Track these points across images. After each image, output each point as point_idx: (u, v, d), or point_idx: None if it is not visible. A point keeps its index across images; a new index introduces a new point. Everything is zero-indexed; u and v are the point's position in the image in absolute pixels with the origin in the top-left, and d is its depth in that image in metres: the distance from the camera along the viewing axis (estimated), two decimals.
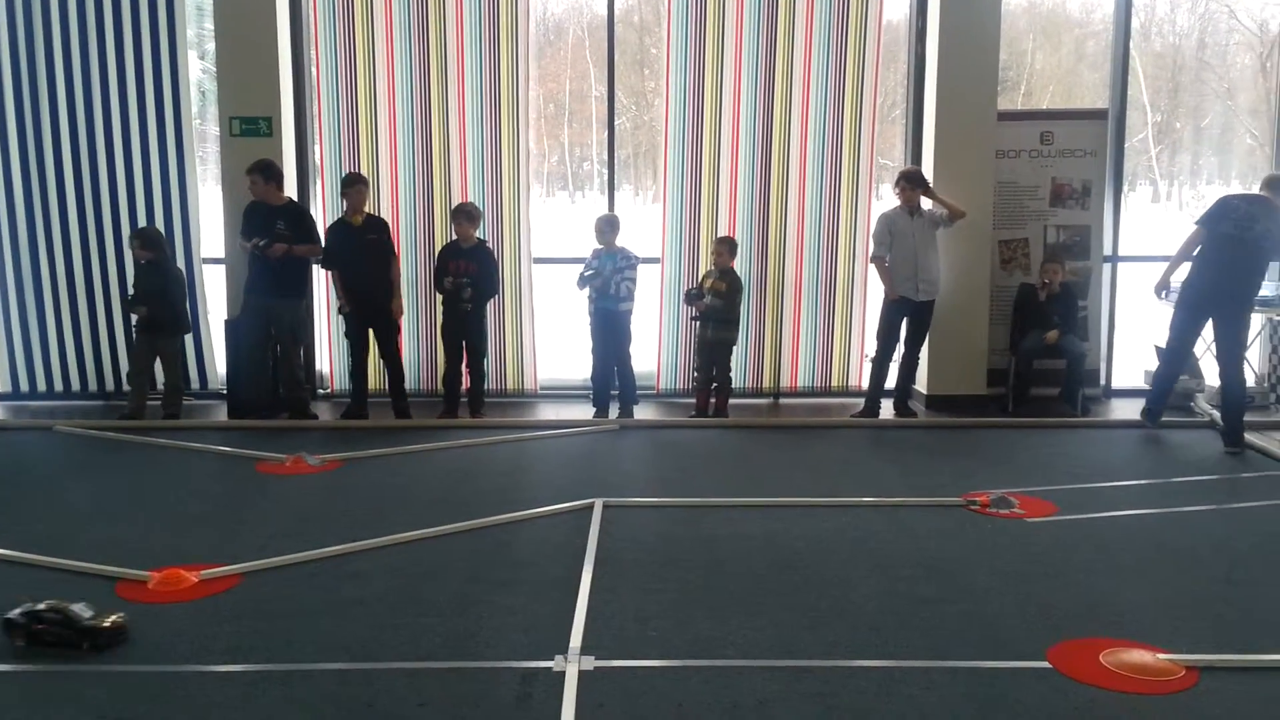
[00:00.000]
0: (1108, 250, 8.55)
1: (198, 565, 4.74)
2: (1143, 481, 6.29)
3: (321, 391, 8.41)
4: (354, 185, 7.61)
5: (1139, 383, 8.39)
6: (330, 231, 7.73)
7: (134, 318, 7.77)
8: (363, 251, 7.61)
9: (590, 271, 7.74)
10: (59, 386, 8.26)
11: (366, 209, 7.71)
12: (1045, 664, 3.84)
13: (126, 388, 8.02)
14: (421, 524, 5.36)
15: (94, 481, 6.29)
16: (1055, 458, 6.81)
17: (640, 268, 7.87)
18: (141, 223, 8.00)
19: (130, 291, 7.85)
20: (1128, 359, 8.94)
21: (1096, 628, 4.16)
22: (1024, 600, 4.47)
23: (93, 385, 8.27)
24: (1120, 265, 8.62)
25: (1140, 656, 3.87)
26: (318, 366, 8.45)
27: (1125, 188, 8.67)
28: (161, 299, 7.58)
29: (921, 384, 8.32)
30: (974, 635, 4.12)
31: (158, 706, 3.57)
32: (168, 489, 6.17)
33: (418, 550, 5.07)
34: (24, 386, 8.26)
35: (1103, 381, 8.68)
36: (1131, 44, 8.58)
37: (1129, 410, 7.94)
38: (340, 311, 7.79)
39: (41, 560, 4.82)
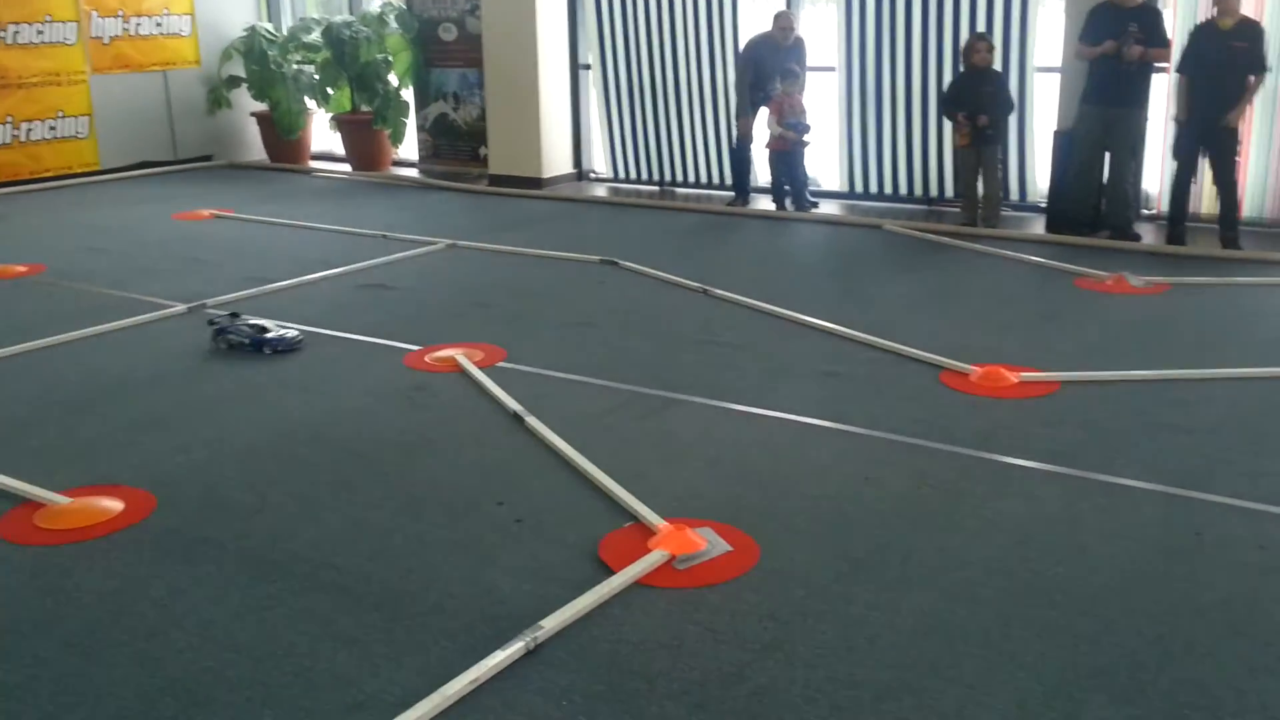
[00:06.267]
0: None
1: (1017, 367, 4.79)
2: None
3: (1147, 212, 7.85)
4: None
5: None
6: (1194, 34, 6.98)
7: (951, 126, 7.91)
8: (1223, 58, 6.77)
9: None
10: (888, 189, 8.81)
11: (1241, 12, 6.81)
12: None
13: (949, 194, 8.33)
14: (1258, 361, 4.81)
15: (916, 278, 6.62)
16: None
17: None
18: (979, 28, 7.99)
19: (947, 94, 7.94)
20: None
21: None
22: None
23: (918, 190, 8.67)
24: None
25: None
26: (1144, 185, 7.87)
27: None
28: (994, 105, 7.58)
29: None
30: None
31: (976, 484, 3.71)
32: (985, 293, 6.32)
33: (1255, 388, 4.57)
34: (858, 187, 8.93)
35: None
36: None
37: None
38: (1175, 119, 7.11)
39: (872, 341, 5.23)
